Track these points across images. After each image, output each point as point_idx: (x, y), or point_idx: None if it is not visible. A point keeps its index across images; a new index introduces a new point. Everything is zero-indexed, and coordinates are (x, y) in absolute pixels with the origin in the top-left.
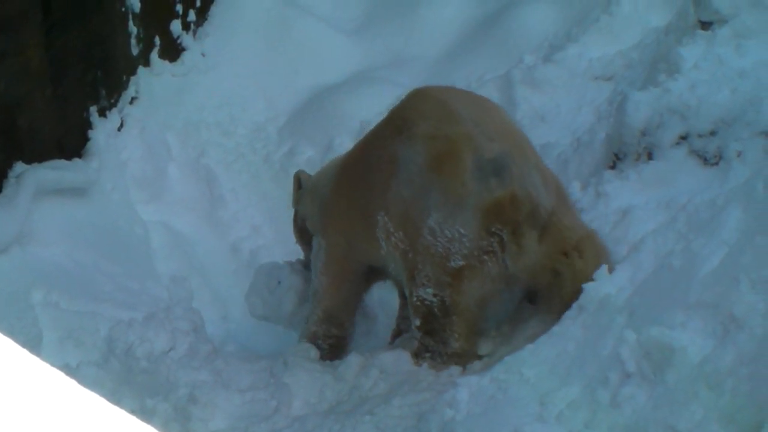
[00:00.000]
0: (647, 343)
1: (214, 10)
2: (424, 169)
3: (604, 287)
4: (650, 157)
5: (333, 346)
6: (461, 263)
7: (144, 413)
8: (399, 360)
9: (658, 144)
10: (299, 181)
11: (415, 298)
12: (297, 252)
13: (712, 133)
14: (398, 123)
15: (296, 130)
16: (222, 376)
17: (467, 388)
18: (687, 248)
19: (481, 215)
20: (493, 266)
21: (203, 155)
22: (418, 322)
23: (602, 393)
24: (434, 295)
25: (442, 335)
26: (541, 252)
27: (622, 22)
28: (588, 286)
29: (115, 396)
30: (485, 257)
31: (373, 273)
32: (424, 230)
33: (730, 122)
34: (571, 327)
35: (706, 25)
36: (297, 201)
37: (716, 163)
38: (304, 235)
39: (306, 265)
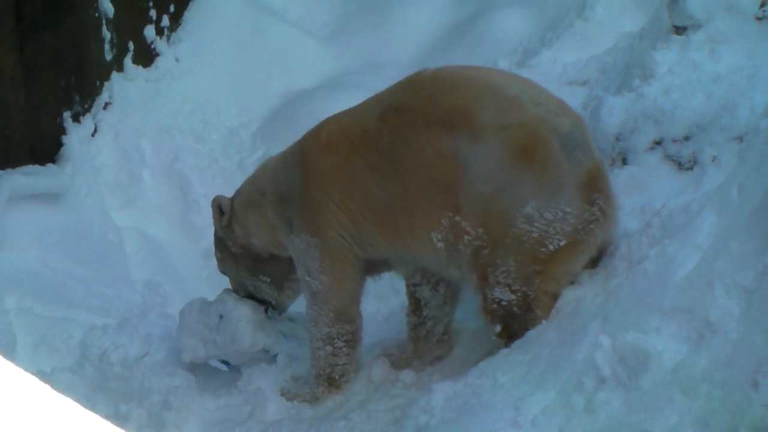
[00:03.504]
0: (622, 348)
1: (188, 16)
2: (509, 161)
3: (578, 292)
4: (625, 162)
5: (349, 341)
6: (561, 243)
7: (118, 419)
8: (374, 365)
9: (633, 149)
10: (220, 207)
11: (489, 302)
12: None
13: (687, 138)
14: (442, 116)
15: (269, 135)
16: (196, 382)
17: (442, 393)
18: (661, 253)
19: (581, 189)
20: (599, 233)
21: (177, 161)
22: (498, 329)
23: (577, 398)
24: (513, 292)
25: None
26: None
27: (596, 27)
28: (563, 291)
29: (89, 401)
30: (591, 226)
31: (375, 265)
32: (517, 220)
33: (704, 127)
34: (545, 332)
35: (680, 30)
36: (224, 227)
37: (691, 168)
38: (238, 260)
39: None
